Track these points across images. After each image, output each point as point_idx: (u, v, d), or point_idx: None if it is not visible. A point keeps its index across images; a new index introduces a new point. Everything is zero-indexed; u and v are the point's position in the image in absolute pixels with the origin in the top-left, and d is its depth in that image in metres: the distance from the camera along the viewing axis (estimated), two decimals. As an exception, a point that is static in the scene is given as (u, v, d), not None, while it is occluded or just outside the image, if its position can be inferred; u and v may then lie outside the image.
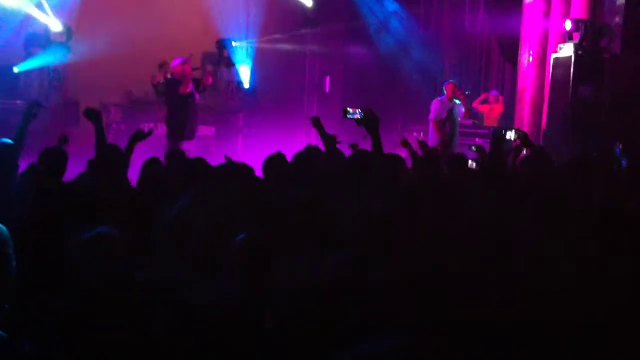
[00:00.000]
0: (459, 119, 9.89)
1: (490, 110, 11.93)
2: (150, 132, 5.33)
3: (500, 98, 12.10)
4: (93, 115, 4.95)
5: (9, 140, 4.30)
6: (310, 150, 5.17)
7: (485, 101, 12.16)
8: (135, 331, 2.10)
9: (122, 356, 2.03)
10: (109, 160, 4.79)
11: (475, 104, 11.97)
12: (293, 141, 9.08)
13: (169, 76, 12.31)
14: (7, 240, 2.36)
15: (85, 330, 2.08)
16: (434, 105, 9.72)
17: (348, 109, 4.55)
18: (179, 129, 8.62)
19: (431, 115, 9.69)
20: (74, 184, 4.32)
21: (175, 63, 8.98)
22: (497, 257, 2.82)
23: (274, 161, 4.72)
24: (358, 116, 4.50)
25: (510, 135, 5.32)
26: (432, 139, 9.58)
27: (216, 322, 2.00)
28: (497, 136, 5.22)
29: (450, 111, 9.61)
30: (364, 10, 14.38)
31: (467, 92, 10.45)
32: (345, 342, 1.76)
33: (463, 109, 9.88)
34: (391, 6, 14.25)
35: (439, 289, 2.36)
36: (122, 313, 2.13)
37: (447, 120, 9.59)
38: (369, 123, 4.48)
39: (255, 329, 2.07)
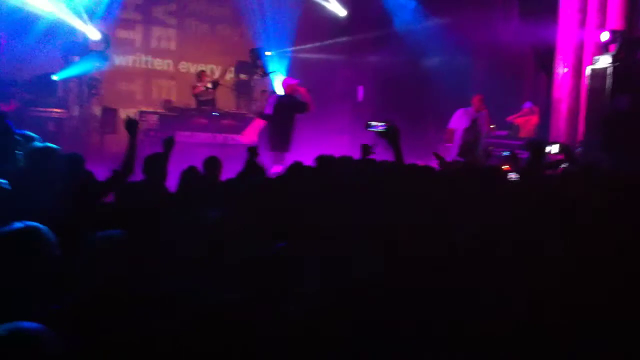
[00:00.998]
0: (487, 131, 9.96)
1: (526, 122, 11.83)
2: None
3: (535, 109, 11.99)
4: (132, 126, 4.88)
5: (54, 146, 4.43)
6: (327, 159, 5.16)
7: (521, 115, 12.07)
8: (147, 335, 2.15)
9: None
10: (152, 168, 4.89)
11: (510, 119, 11.89)
12: (326, 149, 9.17)
13: (209, 85, 12.48)
14: (54, 242, 2.42)
15: (92, 332, 2.13)
16: (457, 114, 9.90)
17: (370, 122, 4.57)
18: (287, 141, 9.31)
19: (451, 124, 9.86)
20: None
21: (289, 82, 9.73)
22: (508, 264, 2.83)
23: (295, 170, 4.77)
24: (380, 129, 4.49)
25: (553, 149, 5.22)
26: (454, 148, 9.74)
27: (227, 326, 2.03)
28: (538, 149, 5.14)
29: (475, 121, 9.72)
30: (396, 19, 14.41)
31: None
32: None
33: (486, 122, 9.92)
34: (423, 14, 14.24)
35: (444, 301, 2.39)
36: (131, 315, 2.17)
37: (471, 130, 9.67)
38: (390, 135, 4.47)
39: (267, 332, 2.09)
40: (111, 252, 2.62)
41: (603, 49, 9.52)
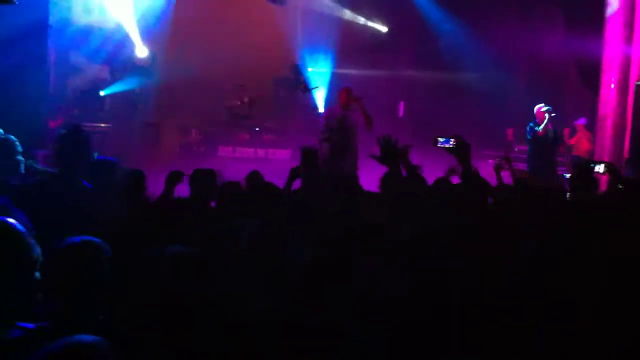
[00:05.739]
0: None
1: (579, 141, 11.52)
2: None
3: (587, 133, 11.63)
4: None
5: (112, 159, 4.55)
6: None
7: (573, 133, 11.74)
8: (204, 344, 2.16)
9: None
10: (203, 181, 4.92)
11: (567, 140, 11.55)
12: (366, 164, 9.16)
13: (246, 100, 12.61)
14: (108, 256, 2.50)
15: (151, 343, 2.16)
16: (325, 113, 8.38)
17: (438, 137, 4.39)
18: None
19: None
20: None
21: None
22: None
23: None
24: (448, 145, 4.33)
25: (599, 168, 5.03)
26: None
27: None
28: (585, 168, 5.00)
29: (341, 120, 8.12)
30: (437, 34, 14.37)
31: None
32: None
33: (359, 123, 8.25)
34: (465, 27, 14.16)
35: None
36: (190, 327, 2.19)
37: (337, 132, 8.04)
38: (460, 151, 4.32)
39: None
40: (185, 268, 2.66)
41: (650, 64, 9.37)
